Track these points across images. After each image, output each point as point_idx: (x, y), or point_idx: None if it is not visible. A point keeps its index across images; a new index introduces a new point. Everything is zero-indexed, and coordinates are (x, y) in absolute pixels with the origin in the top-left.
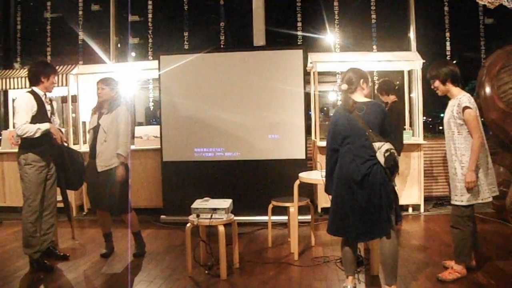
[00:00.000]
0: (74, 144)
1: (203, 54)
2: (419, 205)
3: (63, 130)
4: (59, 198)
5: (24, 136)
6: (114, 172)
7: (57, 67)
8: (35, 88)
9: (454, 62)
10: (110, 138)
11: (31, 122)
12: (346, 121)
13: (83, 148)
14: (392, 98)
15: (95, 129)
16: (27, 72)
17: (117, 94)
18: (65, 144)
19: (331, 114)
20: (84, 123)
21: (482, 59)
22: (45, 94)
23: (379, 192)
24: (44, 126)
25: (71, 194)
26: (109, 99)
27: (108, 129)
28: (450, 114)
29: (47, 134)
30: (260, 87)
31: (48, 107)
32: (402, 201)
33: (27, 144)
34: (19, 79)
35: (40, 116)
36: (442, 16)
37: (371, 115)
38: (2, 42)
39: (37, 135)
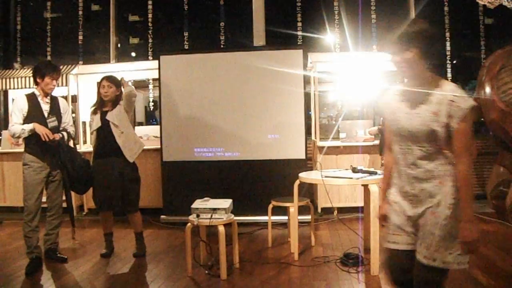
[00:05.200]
0: (74, 144)
1: (203, 54)
2: None
3: (71, 130)
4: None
5: (15, 136)
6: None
7: None
8: (34, 89)
9: (454, 62)
10: (124, 128)
11: (25, 123)
12: None
13: (83, 148)
14: None
15: (102, 129)
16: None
17: (120, 92)
18: (59, 142)
19: None
20: (84, 123)
21: (482, 59)
22: (49, 94)
23: None
24: (28, 126)
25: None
26: (114, 98)
27: (119, 120)
28: None
29: (36, 133)
30: (260, 87)
31: (45, 107)
32: None
33: (24, 144)
34: (19, 79)
35: (32, 116)
36: (442, 16)
37: None
38: (2, 42)
39: (25, 135)
